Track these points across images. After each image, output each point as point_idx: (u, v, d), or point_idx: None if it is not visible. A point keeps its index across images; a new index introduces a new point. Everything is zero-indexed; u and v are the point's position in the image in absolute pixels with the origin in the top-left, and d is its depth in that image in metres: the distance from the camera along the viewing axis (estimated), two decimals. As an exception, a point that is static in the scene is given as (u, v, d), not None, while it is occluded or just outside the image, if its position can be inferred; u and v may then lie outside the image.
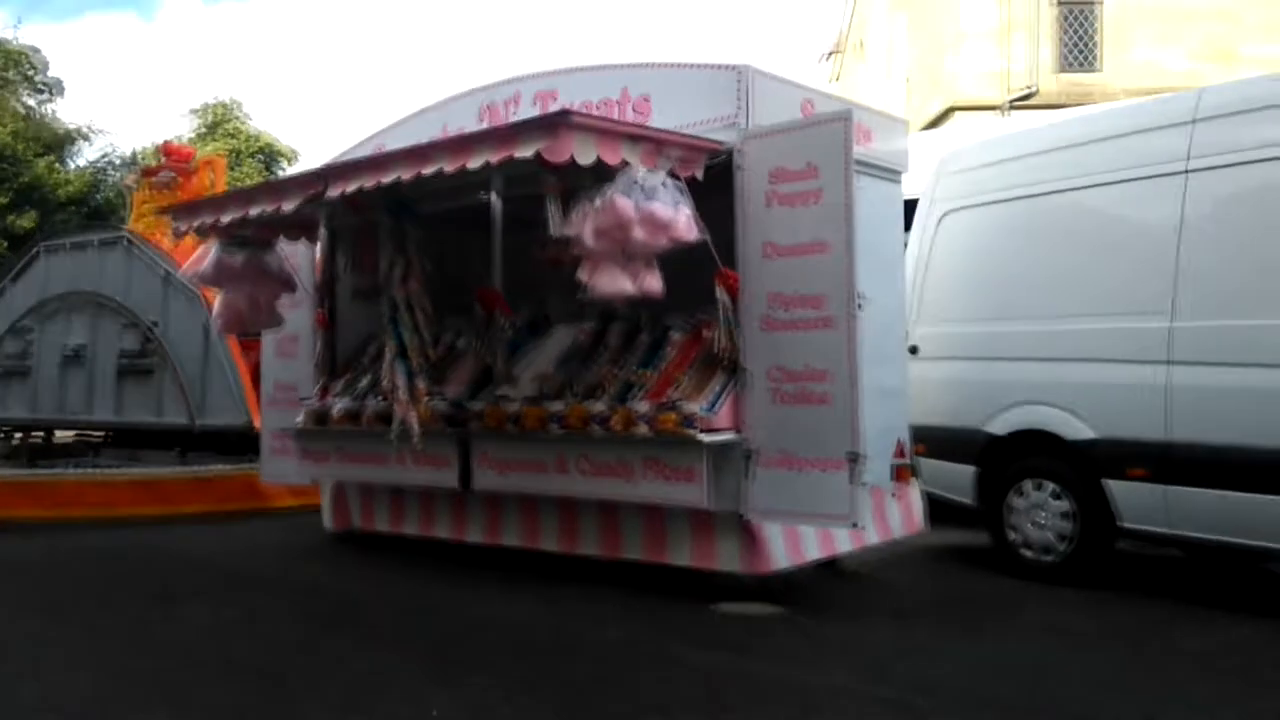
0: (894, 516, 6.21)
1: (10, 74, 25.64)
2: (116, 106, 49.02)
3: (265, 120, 33.58)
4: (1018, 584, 6.11)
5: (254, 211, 6.36)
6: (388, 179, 5.54)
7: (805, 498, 5.24)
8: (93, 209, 25.38)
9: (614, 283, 5.13)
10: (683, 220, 5.10)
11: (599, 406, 5.78)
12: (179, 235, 7.55)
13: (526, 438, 6.12)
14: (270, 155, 31.01)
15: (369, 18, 70.33)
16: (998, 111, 15.98)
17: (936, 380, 6.75)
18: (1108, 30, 17.44)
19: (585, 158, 4.93)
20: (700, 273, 5.44)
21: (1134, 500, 5.77)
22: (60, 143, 26.31)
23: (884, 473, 6.05)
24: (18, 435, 12.35)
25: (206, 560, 7.33)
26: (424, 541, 7.15)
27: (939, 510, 6.69)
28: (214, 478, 9.24)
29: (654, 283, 5.25)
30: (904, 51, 21.01)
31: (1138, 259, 5.79)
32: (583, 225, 5.05)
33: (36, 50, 26.70)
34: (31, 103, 26.48)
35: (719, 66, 5.70)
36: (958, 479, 6.71)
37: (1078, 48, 17.58)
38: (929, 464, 6.82)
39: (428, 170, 5.32)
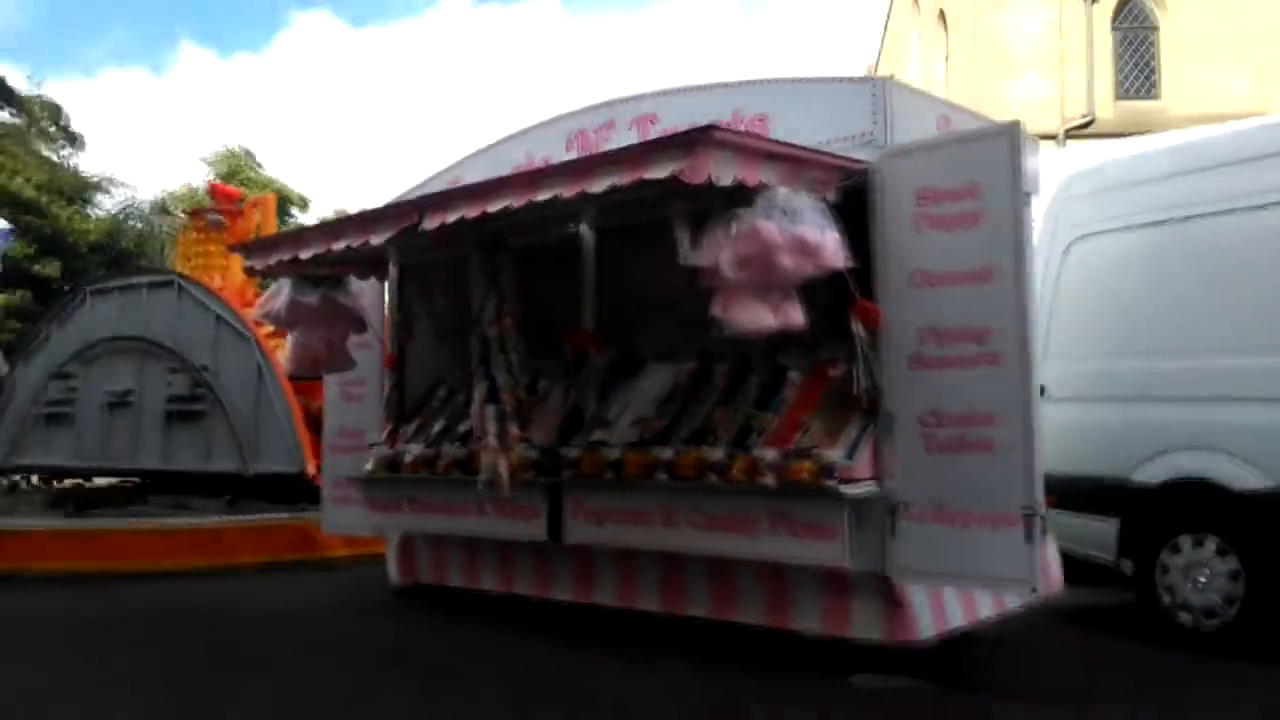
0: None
1: (33, 129, 25.85)
2: (131, 158, 49.14)
3: (275, 168, 33.40)
4: (1181, 654, 5.24)
5: (339, 246, 5.65)
6: (494, 207, 4.84)
7: (969, 557, 4.43)
8: (114, 256, 25.25)
9: (753, 316, 4.40)
10: (831, 244, 4.38)
11: (716, 453, 5.01)
12: (253, 274, 6.83)
13: (628, 487, 5.34)
14: (281, 202, 30.64)
15: (377, 65, 70.78)
16: (1054, 141, 15.26)
17: (1068, 423, 5.93)
18: (1165, 55, 16.80)
19: (724, 178, 4.23)
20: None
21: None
22: (82, 193, 26.22)
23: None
24: (63, 482, 11.57)
25: (269, 619, 6.53)
26: (498, 597, 6.33)
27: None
28: (270, 527, 8.44)
29: (795, 314, 4.52)
30: (944, 82, 20.32)
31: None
32: (719, 253, 4.32)
33: (58, 108, 26.73)
34: (53, 156, 26.44)
35: (852, 80, 5.05)
36: (1095, 534, 5.88)
37: (1136, 74, 16.95)
38: (1058, 517, 5.97)
39: (541, 196, 4.63)
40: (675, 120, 5.56)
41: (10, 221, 17.18)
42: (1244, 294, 5.30)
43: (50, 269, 22.99)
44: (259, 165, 31.60)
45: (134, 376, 10.67)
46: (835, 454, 4.63)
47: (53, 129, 26.79)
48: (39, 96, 26.45)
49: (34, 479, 11.85)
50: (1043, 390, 5.86)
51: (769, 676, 4.85)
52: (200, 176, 30.73)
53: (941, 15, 21.67)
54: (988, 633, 5.42)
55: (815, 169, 4.60)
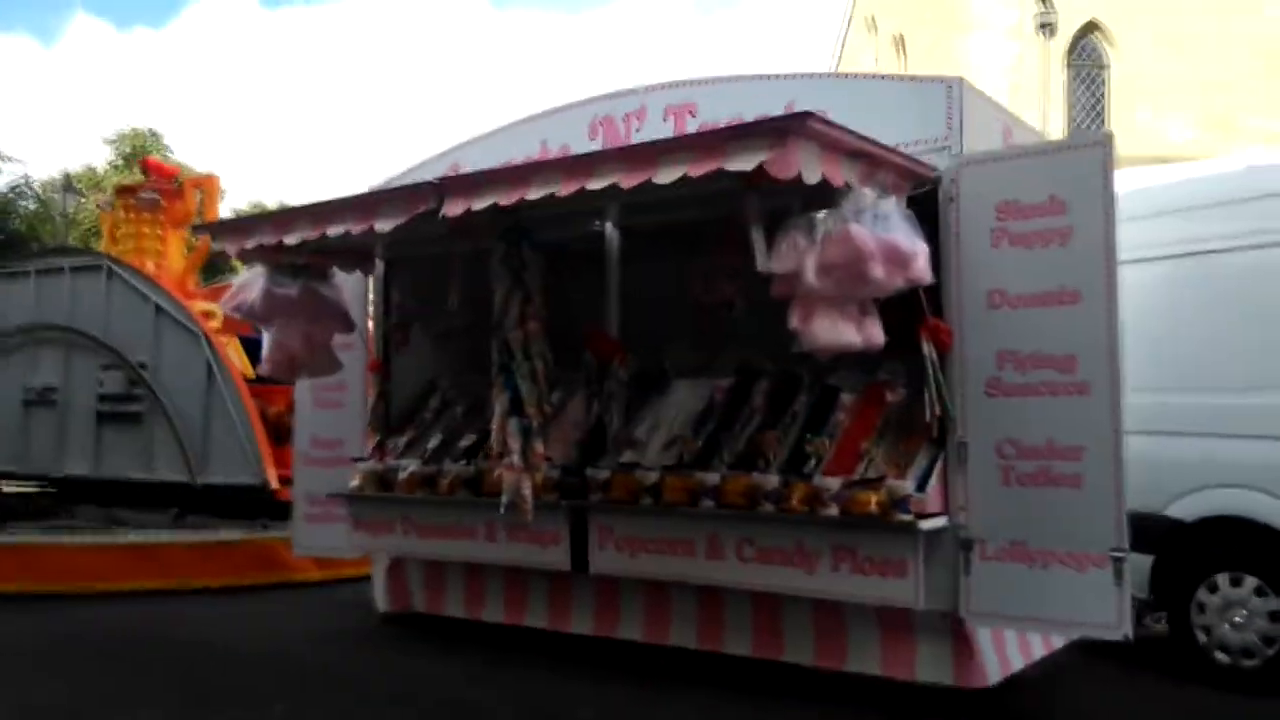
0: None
1: None
2: (18, 134, 46.43)
3: (185, 152, 32.23)
4: (1222, 694, 5.19)
5: (335, 231, 5.23)
6: (535, 194, 4.50)
7: (1052, 600, 4.30)
8: (4, 238, 23.82)
9: (835, 331, 4.18)
10: (922, 256, 4.18)
11: (770, 480, 4.79)
12: (226, 257, 6.34)
13: (668, 514, 5.09)
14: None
15: (293, 49, 68.75)
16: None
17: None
18: (1115, 94, 17.23)
19: (811, 175, 3.98)
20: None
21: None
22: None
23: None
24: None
25: (235, 648, 6.10)
26: (496, 627, 6.03)
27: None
28: (227, 545, 7.94)
29: (878, 332, 4.32)
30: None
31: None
32: (801, 259, 4.09)
33: None
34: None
35: (926, 79, 4.83)
36: (1128, 568, 5.81)
37: (1086, 112, 17.30)
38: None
39: (595, 184, 4.31)
40: (717, 111, 5.34)
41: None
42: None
43: (-68, 251, 21.65)
44: (168, 149, 30.30)
45: (57, 371, 9.99)
46: (907, 485, 4.45)
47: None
48: None
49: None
50: None
51: (821, 713, 4.67)
52: (102, 157, 29.49)
53: (900, 40, 21.88)
54: (1031, 673, 5.33)
55: (891, 172, 4.40)
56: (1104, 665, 5.68)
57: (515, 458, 5.08)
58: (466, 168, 5.92)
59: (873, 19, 26.59)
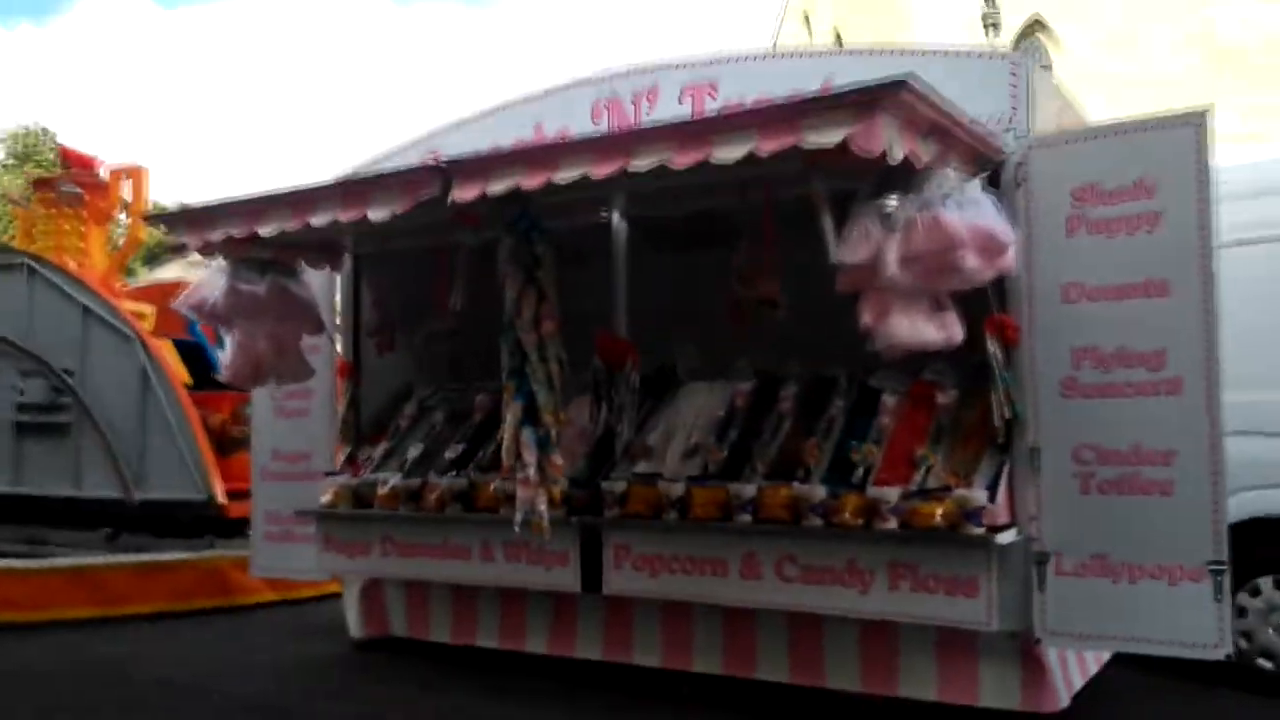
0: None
1: None
2: None
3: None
4: (1268, 702, 4.87)
5: (319, 221, 4.63)
6: (564, 176, 3.99)
7: (1139, 617, 3.93)
8: None
9: (915, 329, 3.75)
10: (1013, 246, 3.77)
11: (817, 491, 4.32)
12: (186, 250, 5.65)
13: (697, 530, 4.60)
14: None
15: (189, 48, 66.54)
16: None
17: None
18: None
19: (896, 153, 3.54)
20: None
21: None
22: None
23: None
24: None
25: (195, 685, 5.40)
26: (488, 655, 5.47)
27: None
28: (168, 566, 7.18)
29: (957, 328, 3.90)
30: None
31: None
32: (881, 249, 3.64)
33: None
34: None
35: (987, 54, 4.45)
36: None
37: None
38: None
39: (640, 163, 3.81)
40: (740, 90, 4.86)
41: None
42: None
43: None
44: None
45: (-31, 378, 9.06)
46: (978, 495, 4.03)
47: None
48: None
49: None
50: None
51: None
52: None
53: (838, 35, 21.81)
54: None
55: (963, 152, 3.98)
56: (1143, 675, 5.32)
57: (531, 471, 4.52)
58: (450, 153, 5.35)
59: (806, 16, 26.55)
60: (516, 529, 4.53)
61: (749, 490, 4.46)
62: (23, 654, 6.08)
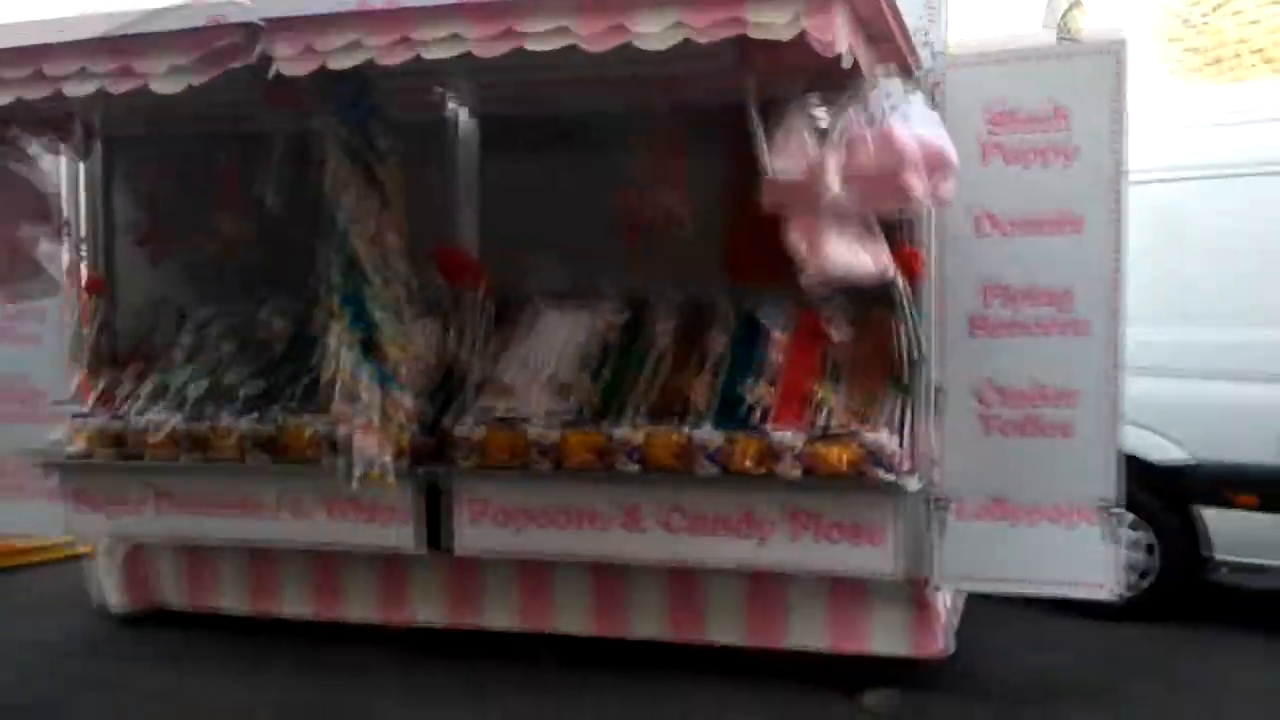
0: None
1: None
2: None
3: None
4: (1106, 626, 5.18)
5: (74, 90, 3.49)
6: (437, 49, 3.20)
7: (1035, 560, 3.94)
8: None
9: (853, 256, 3.44)
10: (955, 168, 3.51)
11: (710, 435, 3.97)
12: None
13: (570, 480, 4.12)
14: None
15: None
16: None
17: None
18: None
19: (845, 49, 3.09)
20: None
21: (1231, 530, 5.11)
22: None
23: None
24: None
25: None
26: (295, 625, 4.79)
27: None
28: None
29: (889, 259, 3.62)
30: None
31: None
32: (820, 164, 3.26)
33: None
34: None
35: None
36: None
37: None
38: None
39: (535, 40, 3.08)
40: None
41: None
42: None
43: None
44: None
45: None
46: (886, 439, 3.84)
47: None
48: None
49: None
50: None
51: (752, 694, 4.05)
52: None
53: None
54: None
55: (899, 63, 3.63)
56: (989, 605, 5.49)
57: (373, 415, 3.83)
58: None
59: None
60: (354, 484, 3.86)
61: (635, 435, 4.03)
62: None
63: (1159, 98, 6.13)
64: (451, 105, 4.57)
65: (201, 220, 4.81)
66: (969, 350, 3.99)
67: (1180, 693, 4.28)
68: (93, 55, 3.51)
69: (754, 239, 3.70)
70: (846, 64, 3.10)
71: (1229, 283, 4.91)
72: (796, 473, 3.87)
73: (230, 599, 4.87)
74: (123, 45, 3.52)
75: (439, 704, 4.15)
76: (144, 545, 4.99)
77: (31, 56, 3.55)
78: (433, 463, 4.28)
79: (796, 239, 3.42)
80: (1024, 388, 3.94)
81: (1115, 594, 3.88)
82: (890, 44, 3.51)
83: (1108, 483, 3.86)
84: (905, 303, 3.97)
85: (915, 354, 3.96)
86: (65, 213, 4.85)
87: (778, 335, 4.32)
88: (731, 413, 4.14)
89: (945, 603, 4.23)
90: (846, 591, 4.15)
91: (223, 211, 4.72)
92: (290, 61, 3.35)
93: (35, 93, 3.57)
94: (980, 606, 4.83)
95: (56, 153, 4.79)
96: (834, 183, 3.28)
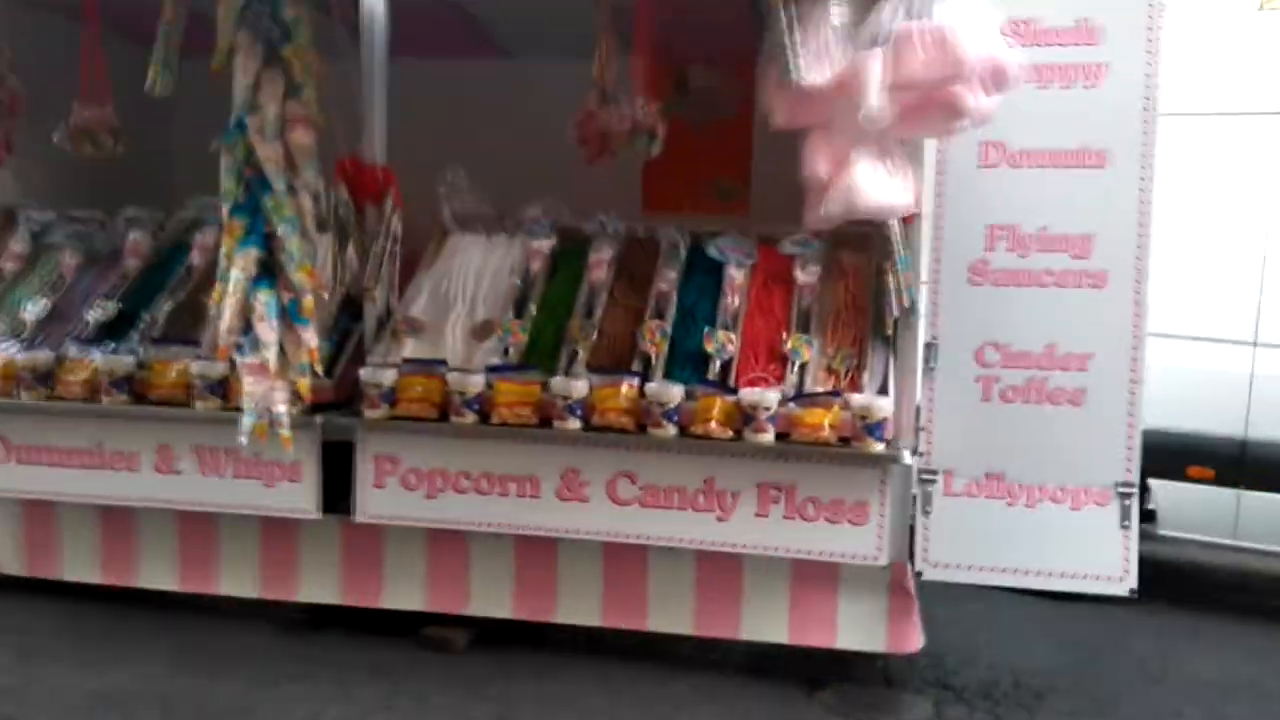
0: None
1: None
2: None
3: None
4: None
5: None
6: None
7: (1036, 546, 3.50)
8: None
9: (886, 188, 2.89)
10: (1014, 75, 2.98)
11: (670, 391, 3.39)
12: None
13: (500, 437, 3.51)
14: None
15: None
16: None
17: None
18: None
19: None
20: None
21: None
22: None
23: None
24: None
25: None
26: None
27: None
28: None
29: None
30: None
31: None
32: (858, 71, 2.70)
33: None
34: None
35: None
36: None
37: None
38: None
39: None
40: None
41: None
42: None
43: None
44: None
45: None
46: (880, 403, 3.32)
47: None
48: None
49: None
50: None
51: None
52: None
53: None
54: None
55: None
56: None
57: (269, 353, 3.15)
58: None
59: None
60: (242, 439, 3.18)
61: (578, 387, 3.43)
62: None
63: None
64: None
65: (48, 107, 3.99)
66: (967, 300, 3.51)
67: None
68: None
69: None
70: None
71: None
72: (769, 438, 3.34)
73: (78, 566, 4.12)
74: None
75: (330, 696, 3.52)
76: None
77: None
78: (338, 414, 3.63)
79: (817, 163, 2.86)
80: (1029, 347, 3.47)
81: (1131, 589, 3.45)
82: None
83: (1125, 462, 3.43)
84: (897, 243, 3.44)
85: (906, 303, 3.43)
86: None
87: (735, 274, 3.76)
88: (686, 364, 3.59)
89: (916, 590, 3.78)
90: (811, 575, 3.64)
91: (79, 99, 3.92)
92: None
93: None
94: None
95: None
96: (874, 95, 2.71)
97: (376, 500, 3.66)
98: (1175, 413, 4.59)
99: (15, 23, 4.17)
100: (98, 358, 3.75)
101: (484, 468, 3.57)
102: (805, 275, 3.76)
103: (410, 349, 3.73)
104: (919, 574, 3.56)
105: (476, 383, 3.49)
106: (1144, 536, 3.84)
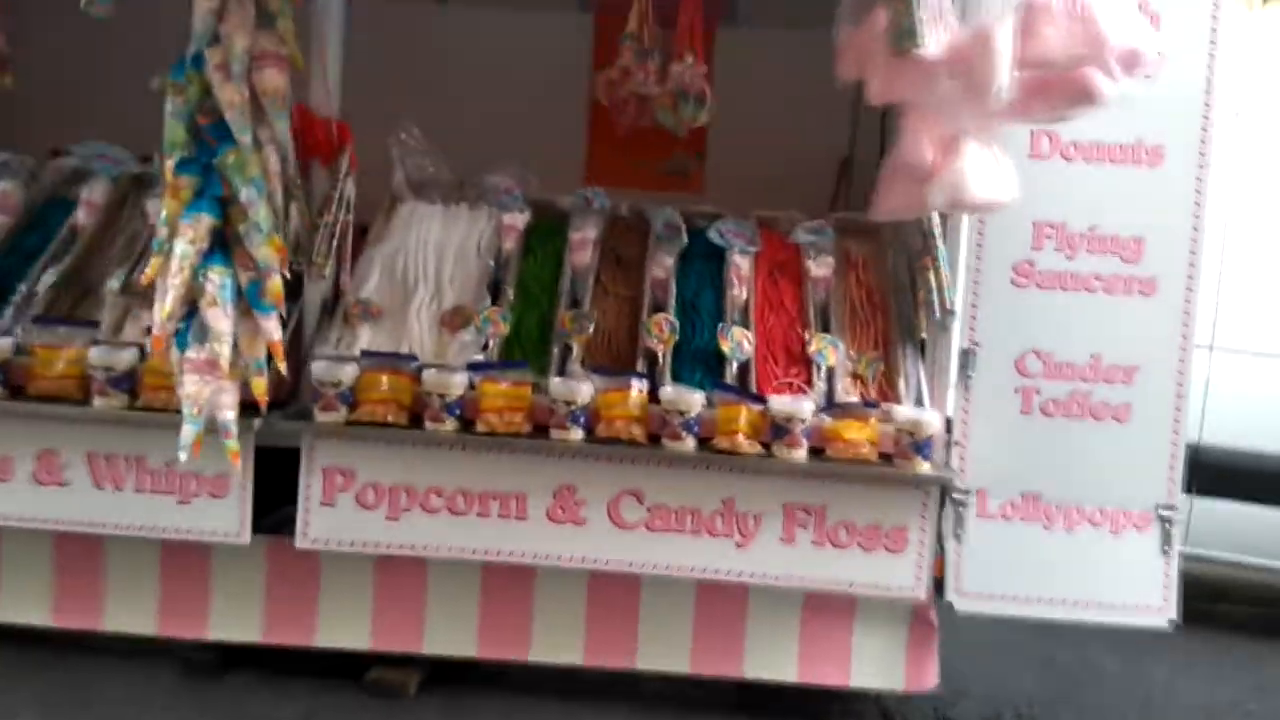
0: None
1: None
2: None
3: None
4: None
5: None
6: None
7: (1068, 575, 3.24)
8: None
9: (995, 180, 2.57)
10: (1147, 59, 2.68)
11: (688, 397, 2.96)
12: None
13: (484, 448, 3.00)
14: None
15: None
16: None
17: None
18: None
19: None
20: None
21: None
22: None
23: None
24: None
25: None
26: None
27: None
28: None
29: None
30: None
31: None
32: (988, 44, 2.35)
33: None
34: None
35: None
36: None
37: None
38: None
39: None
40: None
41: None
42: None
43: None
44: None
45: None
46: (928, 417, 2.99)
47: None
48: None
49: None
50: None
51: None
52: None
53: None
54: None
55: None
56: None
57: (220, 346, 2.53)
58: None
59: None
60: (182, 455, 2.56)
61: (583, 390, 2.95)
62: None
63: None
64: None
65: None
66: (1009, 304, 3.21)
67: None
68: None
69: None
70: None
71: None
72: (803, 454, 2.96)
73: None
74: None
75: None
76: None
77: None
78: (287, 418, 3.02)
79: (922, 146, 2.48)
80: (1073, 358, 3.21)
81: (1171, 621, 3.24)
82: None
83: (1167, 483, 3.22)
84: (937, 239, 3.14)
85: (950, 304, 3.12)
86: None
87: (739, 262, 3.37)
88: (695, 365, 3.17)
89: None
90: (824, 605, 3.29)
91: None
92: None
93: None
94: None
95: None
96: (1003, 71, 2.35)
97: (324, 520, 3.06)
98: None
99: None
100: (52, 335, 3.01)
101: (460, 483, 3.04)
102: (818, 267, 3.41)
103: (366, 339, 3.16)
104: (949, 605, 3.26)
105: (459, 382, 2.96)
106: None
